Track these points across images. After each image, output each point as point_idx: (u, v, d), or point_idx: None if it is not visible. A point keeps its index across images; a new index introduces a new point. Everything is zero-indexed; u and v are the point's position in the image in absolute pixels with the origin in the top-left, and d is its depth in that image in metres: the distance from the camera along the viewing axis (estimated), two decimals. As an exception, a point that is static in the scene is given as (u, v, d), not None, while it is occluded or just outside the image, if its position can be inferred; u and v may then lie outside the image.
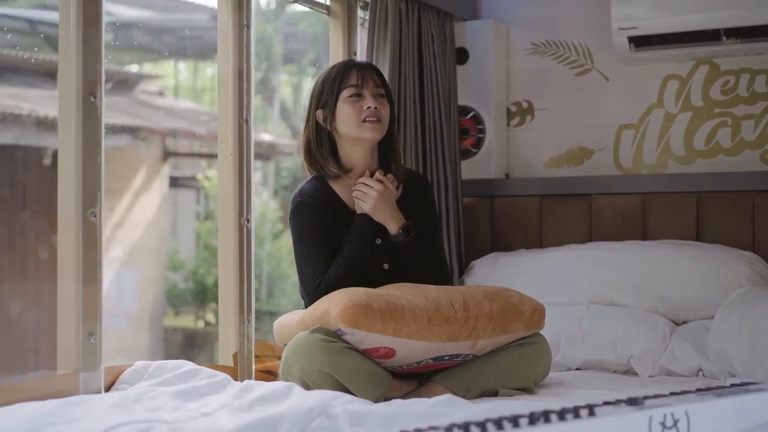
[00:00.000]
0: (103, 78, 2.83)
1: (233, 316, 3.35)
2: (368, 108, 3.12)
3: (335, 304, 2.81)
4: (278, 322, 3.14)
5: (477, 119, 4.47)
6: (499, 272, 4.13)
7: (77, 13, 2.76)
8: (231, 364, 3.33)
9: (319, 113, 3.18)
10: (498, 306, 2.95)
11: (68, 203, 2.77)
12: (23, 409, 2.44)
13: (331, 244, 3.10)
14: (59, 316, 2.77)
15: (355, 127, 3.12)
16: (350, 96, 3.13)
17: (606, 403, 1.96)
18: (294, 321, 3.01)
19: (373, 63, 3.82)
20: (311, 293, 3.06)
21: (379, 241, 3.15)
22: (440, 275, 3.23)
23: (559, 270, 4.01)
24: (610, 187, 4.26)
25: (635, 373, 3.58)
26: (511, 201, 4.44)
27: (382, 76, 3.22)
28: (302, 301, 3.20)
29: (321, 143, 3.19)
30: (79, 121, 2.76)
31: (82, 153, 2.76)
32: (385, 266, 3.16)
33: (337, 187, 3.20)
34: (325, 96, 3.16)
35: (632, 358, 3.58)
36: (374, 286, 3.04)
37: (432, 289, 2.94)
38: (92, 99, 2.79)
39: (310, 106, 3.22)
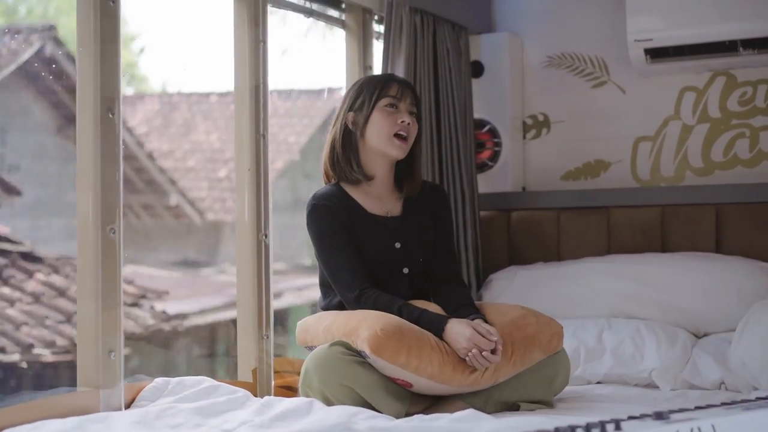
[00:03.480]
0: (121, 94, 2.83)
1: (252, 332, 3.34)
2: (402, 122, 3.12)
3: (366, 327, 2.82)
4: (303, 324, 3.14)
5: (493, 132, 4.46)
6: (516, 286, 4.12)
7: (95, 29, 2.76)
8: (250, 379, 3.31)
9: (350, 116, 3.16)
10: (517, 341, 2.97)
11: (87, 220, 2.76)
12: (45, 426, 2.43)
13: (354, 246, 3.09)
14: (79, 333, 2.77)
15: (384, 139, 3.12)
16: (387, 106, 3.13)
17: (631, 418, 1.94)
18: (320, 327, 3.01)
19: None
20: (347, 303, 3.06)
21: (398, 245, 3.15)
22: (460, 283, 3.24)
23: (578, 283, 3.99)
24: (627, 199, 4.25)
25: (656, 387, 3.55)
26: (528, 214, 4.43)
27: (419, 97, 3.22)
28: (319, 295, 3.24)
29: (346, 146, 3.17)
30: (98, 137, 2.76)
31: (100, 169, 2.76)
32: (405, 270, 3.15)
33: (354, 192, 3.19)
34: (362, 99, 3.15)
35: (653, 371, 3.55)
36: (395, 290, 3.06)
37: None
38: (110, 115, 2.78)
39: (341, 107, 3.21)
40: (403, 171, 3.24)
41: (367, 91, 3.16)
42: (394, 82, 3.17)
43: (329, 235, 3.09)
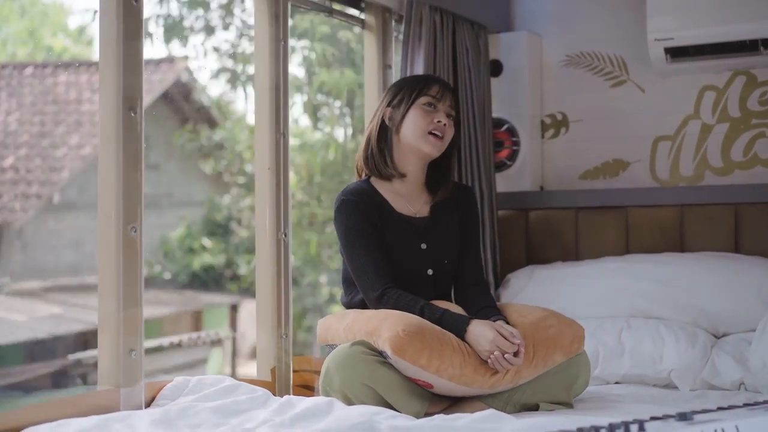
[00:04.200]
0: (143, 93, 2.84)
1: (271, 331, 3.35)
2: (438, 122, 3.12)
3: (387, 327, 2.82)
4: (324, 322, 3.15)
5: (511, 131, 4.45)
6: (534, 285, 4.11)
7: (118, 27, 2.77)
8: (269, 378, 3.32)
9: (388, 111, 3.18)
10: (538, 342, 2.97)
11: (108, 218, 2.77)
12: (67, 425, 2.44)
13: (381, 245, 3.09)
14: (100, 332, 2.77)
15: (419, 136, 3.12)
16: (425, 104, 3.14)
17: (654, 419, 1.94)
18: (341, 326, 3.02)
19: (407, 75, 3.82)
20: (369, 302, 3.06)
21: (424, 246, 3.14)
22: (483, 284, 3.25)
23: (597, 283, 3.98)
24: (646, 199, 4.23)
25: (675, 387, 3.55)
26: (547, 213, 4.42)
27: (458, 102, 3.23)
28: (341, 291, 3.24)
29: (381, 141, 3.18)
30: (120, 135, 2.77)
31: (122, 167, 2.77)
32: (429, 272, 3.15)
33: (383, 189, 3.19)
34: (402, 95, 3.17)
35: (673, 371, 3.54)
36: (418, 291, 3.06)
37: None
38: (132, 114, 2.79)
39: (381, 103, 3.24)
40: (436, 174, 3.25)
41: (408, 88, 3.18)
42: (435, 83, 3.19)
43: (356, 232, 3.09)
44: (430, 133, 3.12)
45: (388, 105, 3.19)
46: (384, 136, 3.18)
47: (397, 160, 3.18)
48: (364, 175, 3.25)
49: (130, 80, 2.79)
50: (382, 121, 3.19)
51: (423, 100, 3.14)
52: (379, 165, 3.18)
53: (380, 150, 3.18)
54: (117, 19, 2.77)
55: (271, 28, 3.39)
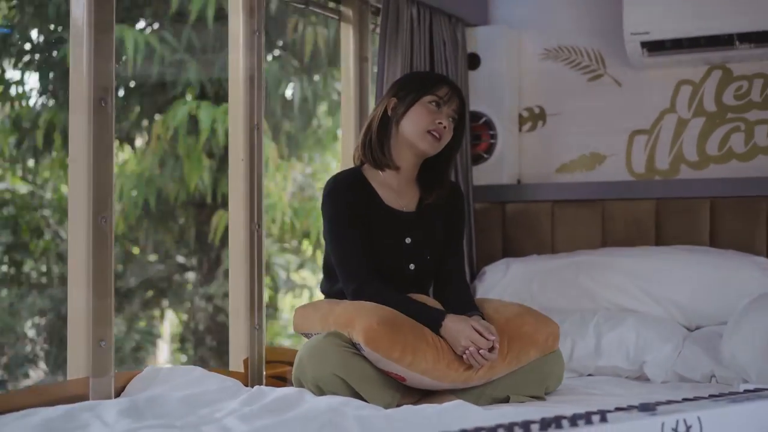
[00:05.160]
0: (114, 84, 2.83)
1: (244, 322, 3.35)
2: (439, 123, 3.10)
3: (362, 319, 2.82)
4: (300, 311, 3.15)
5: (489, 125, 4.45)
6: (510, 278, 4.12)
7: (89, 19, 2.76)
8: (241, 369, 3.32)
9: (393, 101, 3.16)
10: (513, 339, 2.98)
11: (79, 209, 2.76)
12: (34, 414, 2.44)
13: (364, 237, 3.08)
14: (69, 322, 2.77)
15: (418, 132, 3.10)
16: (430, 103, 3.11)
17: (618, 409, 1.95)
18: (317, 315, 3.02)
19: (385, 68, 3.82)
20: (347, 293, 3.06)
21: (408, 240, 3.14)
22: (462, 280, 3.25)
23: (572, 276, 3.99)
24: (622, 192, 4.24)
25: (648, 379, 3.56)
26: (523, 207, 4.43)
27: (465, 107, 3.21)
28: (322, 279, 3.25)
29: (381, 130, 3.16)
30: (90, 126, 2.76)
31: (93, 158, 2.76)
32: (411, 267, 3.15)
33: (374, 180, 3.19)
34: (409, 88, 3.15)
35: (645, 364, 3.56)
36: (399, 285, 3.06)
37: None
38: (103, 104, 2.79)
39: (388, 92, 3.22)
40: (429, 173, 3.23)
41: (417, 83, 3.16)
42: (445, 85, 3.16)
43: (340, 221, 3.09)
44: (429, 132, 3.10)
45: (395, 95, 3.17)
46: (384, 124, 3.17)
47: (393, 151, 3.17)
48: (358, 161, 3.24)
49: (101, 71, 2.78)
50: (385, 111, 3.17)
51: (429, 98, 3.12)
52: (376, 153, 3.16)
53: (379, 139, 3.16)
54: (88, 10, 2.76)
55: (246, 19, 3.38)
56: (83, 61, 2.77)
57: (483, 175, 4.46)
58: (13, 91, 7.35)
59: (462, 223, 3.30)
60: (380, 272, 3.07)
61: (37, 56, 7.29)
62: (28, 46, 7.30)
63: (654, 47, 4.10)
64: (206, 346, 8.14)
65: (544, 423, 1.74)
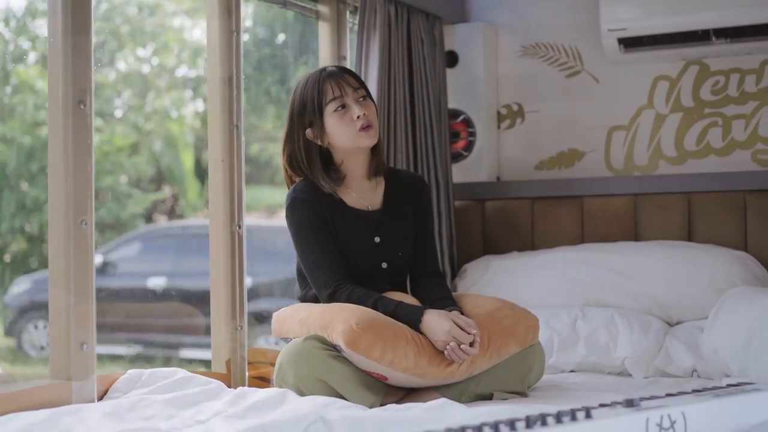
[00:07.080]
0: (93, 86, 2.82)
1: (225, 323, 3.34)
2: (358, 117, 3.05)
3: (341, 321, 2.81)
4: (278, 315, 3.13)
5: (467, 122, 4.46)
6: (491, 275, 4.13)
7: (66, 21, 2.75)
8: (224, 371, 3.31)
9: (309, 132, 3.09)
10: (493, 333, 2.98)
11: (59, 212, 2.75)
12: (16, 419, 2.42)
13: (333, 242, 3.08)
14: (51, 325, 2.76)
15: (351, 138, 3.06)
16: (335, 110, 3.05)
17: (602, 405, 1.95)
18: (295, 319, 3.00)
19: (362, 67, 3.82)
20: (322, 299, 3.05)
21: (378, 239, 3.14)
22: (438, 275, 3.25)
23: (552, 272, 4.00)
24: (601, 188, 4.26)
25: (629, 375, 3.57)
26: (503, 204, 4.43)
27: (358, 77, 3.15)
28: (297, 286, 3.22)
29: (313, 161, 3.11)
30: (69, 128, 2.75)
31: (72, 161, 2.75)
32: (384, 265, 3.14)
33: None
34: (309, 115, 3.07)
35: (626, 359, 3.57)
36: (373, 285, 3.05)
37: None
38: (82, 106, 2.77)
39: (291, 121, 3.12)
40: (375, 157, 3.21)
41: (310, 103, 3.07)
42: (327, 81, 3.07)
43: (307, 230, 3.07)
44: (359, 130, 3.06)
45: (306, 126, 3.09)
46: (317, 152, 3.11)
47: (341, 163, 3.14)
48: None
49: (79, 73, 2.77)
50: (306, 140, 3.10)
51: (330, 107, 3.05)
52: (325, 181, 3.10)
53: (313, 170, 3.10)
54: (65, 12, 2.75)
55: (223, 20, 3.37)
56: (61, 63, 2.76)
57: (462, 172, 4.46)
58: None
59: (431, 215, 3.29)
60: (354, 274, 3.07)
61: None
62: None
63: (631, 43, 4.12)
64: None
65: (530, 420, 1.74)
